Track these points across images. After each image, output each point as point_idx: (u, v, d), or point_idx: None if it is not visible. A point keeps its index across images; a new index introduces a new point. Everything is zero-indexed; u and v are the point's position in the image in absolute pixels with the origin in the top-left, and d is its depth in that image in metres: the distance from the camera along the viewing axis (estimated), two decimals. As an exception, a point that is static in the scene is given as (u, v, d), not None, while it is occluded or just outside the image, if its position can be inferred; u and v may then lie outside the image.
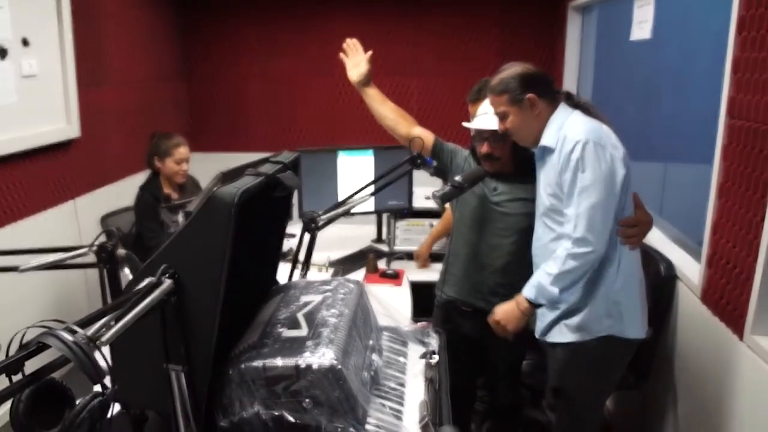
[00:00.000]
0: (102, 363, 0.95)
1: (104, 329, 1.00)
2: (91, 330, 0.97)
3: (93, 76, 3.89)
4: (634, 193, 2.07)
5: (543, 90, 2.09)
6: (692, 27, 2.94)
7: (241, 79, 5.47)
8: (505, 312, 2.10)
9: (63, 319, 0.99)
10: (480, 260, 2.41)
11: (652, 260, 2.56)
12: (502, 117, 2.12)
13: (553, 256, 1.99)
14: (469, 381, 2.72)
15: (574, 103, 2.14)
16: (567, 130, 2.01)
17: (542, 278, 2.00)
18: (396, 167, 2.34)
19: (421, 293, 3.04)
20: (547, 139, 2.07)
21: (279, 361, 1.38)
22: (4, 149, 3.06)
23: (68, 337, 0.91)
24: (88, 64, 3.82)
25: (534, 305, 2.04)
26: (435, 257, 3.30)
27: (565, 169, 1.98)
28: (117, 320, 1.05)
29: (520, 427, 2.88)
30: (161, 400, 1.34)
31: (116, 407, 1.47)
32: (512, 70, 2.10)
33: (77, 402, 1.02)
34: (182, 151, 3.38)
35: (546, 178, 2.11)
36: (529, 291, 2.04)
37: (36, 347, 0.91)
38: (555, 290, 1.97)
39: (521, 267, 2.29)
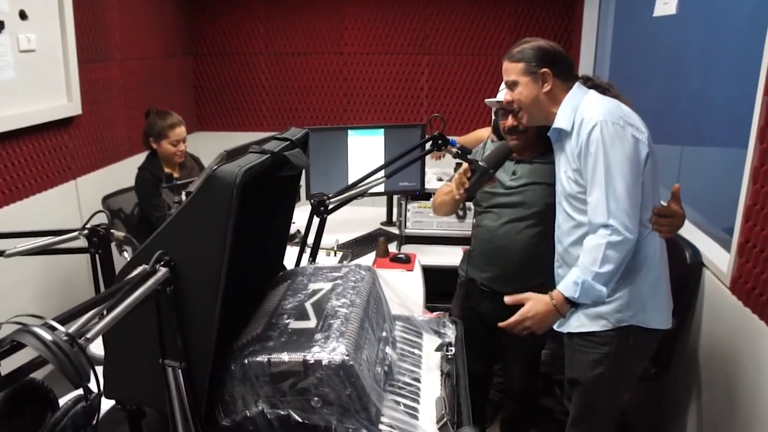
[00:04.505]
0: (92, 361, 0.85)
1: (90, 325, 0.89)
2: (74, 326, 0.86)
3: (95, 51, 3.77)
4: (675, 186, 1.99)
5: (560, 69, 2.01)
6: (722, 2, 2.80)
7: (249, 57, 5.35)
8: (539, 313, 1.95)
9: (64, 306, 0.89)
10: (498, 243, 2.34)
11: (677, 247, 2.45)
12: (511, 86, 2.06)
13: (589, 249, 1.88)
14: (486, 366, 2.65)
15: (592, 84, 2.07)
16: (584, 112, 1.93)
17: (587, 276, 1.87)
18: (415, 147, 2.21)
19: (434, 278, 2.94)
20: (561, 122, 1.99)
21: (285, 356, 1.27)
22: (2, 127, 2.95)
23: (46, 335, 0.80)
24: (90, 38, 3.70)
25: (574, 304, 1.92)
26: (451, 241, 3.24)
27: (585, 154, 1.89)
28: (106, 313, 0.95)
29: (534, 417, 2.80)
30: (158, 397, 1.24)
31: (109, 404, 1.37)
32: (535, 42, 2.04)
33: (61, 405, 0.92)
34: (178, 132, 3.23)
35: (565, 162, 2.02)
36: (570, 289, 1.90)
37: (10, 346, 0.81)
38: (603, 288, 1.87)
39: (541, 250, 2.24)
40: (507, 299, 2.00)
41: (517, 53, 2.03)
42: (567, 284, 1.92)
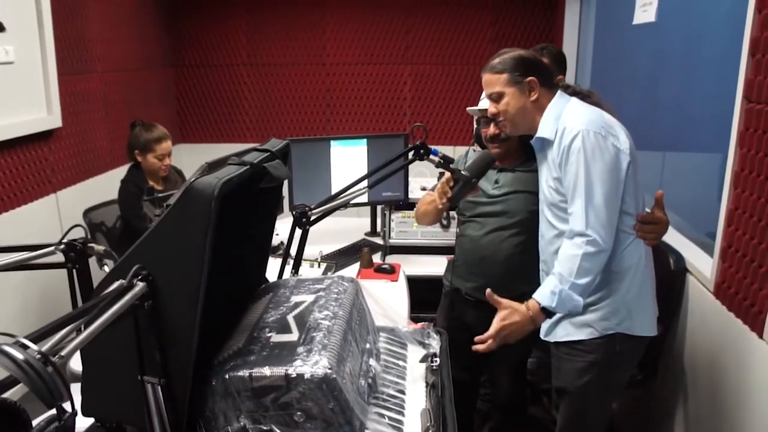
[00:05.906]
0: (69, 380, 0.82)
1: (64, 342, 0.87)
2: (48, 344, 0.84)
3: (75, 63, 3.74)
4: (659, 192, 1.97)
5: (544, 77, 1.99)
6: (699, 9, 2.83)
7: (231, 68, 5.34)
8: (515, 323, 1.88)
9: (43, 322, 0.87)
10: (482, 252, 2.33)
11: (661, 253, 2.45)
12: (496, 98, 2.01)
13: (565, 259, 1.85)
14: (473, 376, 2.63)
15: (573, 91, 2.06)
16: (566, 120, 1.91)
17: (564, 285, 1.84)
18: (397, 157, 2.20)
19: (419, 288, 2.93)
20: (544, 130, 1.96)
21: (267, 370, 1.25)
22: (-20, 140, 2.92)
23: (17, 354, 0.78)
24: (70, 50, 3.67)
25: (549, 314, 1.88)
26: (436, 250, 3.24)
27: (566, 162, 1.87)
28: (83, 329, 0.92)
29: (522, 426, 2.78)
30: (138, 414, 1.22)
31: (89, 422, 1.34)
32: (515, 52, 2.01)
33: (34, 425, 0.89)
34: (164, 146, 3.20)
35: (547, 171, 2.00)
36: (547, 299, 1.85)
37: (-20, 366, 0.78)
38: (580, 299, 1.84)
39: (525, 259, 2.21)
40: (488, 294, 1.92)
41: (498, 64, 1.99)
42: (544, 294, 1.87)
